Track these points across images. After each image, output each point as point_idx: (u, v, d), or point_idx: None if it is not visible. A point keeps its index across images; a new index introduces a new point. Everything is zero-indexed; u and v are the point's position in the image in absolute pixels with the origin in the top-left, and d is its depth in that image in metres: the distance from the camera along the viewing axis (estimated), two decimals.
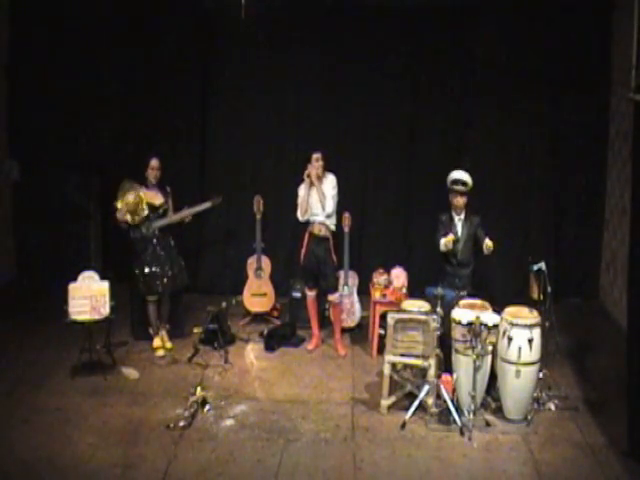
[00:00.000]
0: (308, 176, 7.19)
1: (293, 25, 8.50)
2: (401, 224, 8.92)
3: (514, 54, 8.38)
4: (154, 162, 7.22)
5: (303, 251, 7.38)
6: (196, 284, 8.33)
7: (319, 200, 7.18)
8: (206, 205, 7.60)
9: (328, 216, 7.26)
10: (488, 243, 6.63)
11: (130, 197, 7.10)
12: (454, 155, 8.57)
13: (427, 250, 8.74)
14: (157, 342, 7.38)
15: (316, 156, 7.17)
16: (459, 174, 6.79)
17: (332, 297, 7.49)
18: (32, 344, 7.38)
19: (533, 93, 8.48)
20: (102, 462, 5.48)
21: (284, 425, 6.04)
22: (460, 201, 6.80)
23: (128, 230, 7.24)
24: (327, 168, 7.26)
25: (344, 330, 7.77)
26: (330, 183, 7.24)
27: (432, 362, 6.09)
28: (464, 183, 6.76)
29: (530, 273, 6.36)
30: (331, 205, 7.23)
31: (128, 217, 7.12)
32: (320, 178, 7.20)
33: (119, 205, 7.13)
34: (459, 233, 6.84)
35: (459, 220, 6.86)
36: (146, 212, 7.15)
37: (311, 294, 7.51)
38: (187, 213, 7.42)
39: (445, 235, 6.74)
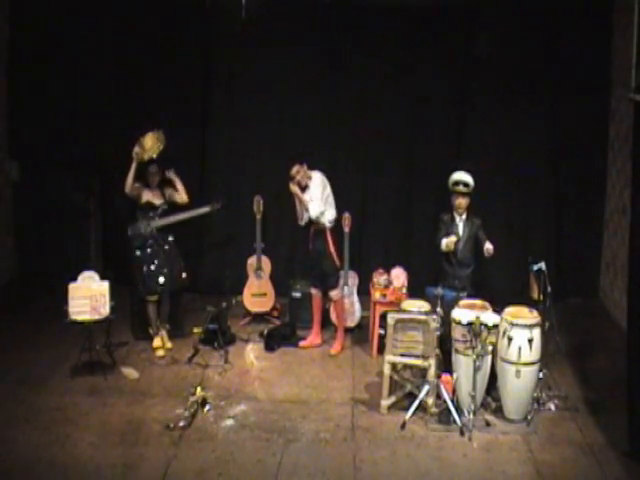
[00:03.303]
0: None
1: (293, 25, 8.48)
2: (401, 224, 8.90)
3: (514, 54, 8.37)
4: (152, 168, 7.28)
5: (310, 247, 7.42)
6: (196, 284, 8.33)
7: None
8: (204, 210, 7.63)
9: (317, 217, 7.19)
10: (488, 247, 6.64)
11: (148, 140, 7.14)
12: (454, 155, 8.56)
13: (427, 250, 8.78)
14: (157, 342, 7.38)
15: (292, 174, 7.22)
16: (460, 175, 6.77)
17: (333, 293, 7.49)
18: (32, 344, 7.37)
19: (533, 93, 8.47)
20: (102, 462, 5.48)
21: (284, 425, 6.04)
22: (462, 202, 6.79)
23: (131, 209, 7.26)
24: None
25: (344, 330, 7.75)
26: (314, 184, 7.21)
27: (432, 362, 6.10)
28: (465, 184, 6.75)
29: (530, 273, 6.36)
30: (314, 209, 7.15)
31: (145, 155, 7.12)
32: (307, 186, 7.20)
33: (136, 149, 7.12)
34: (460, 233, 6.84)
35: (460, 220, 6.86)
36: (161, 147, 7.16)
37: (315, 293, 7.52)
38: (185, 216, 7.45)
39: (447, 235, 6.75)
